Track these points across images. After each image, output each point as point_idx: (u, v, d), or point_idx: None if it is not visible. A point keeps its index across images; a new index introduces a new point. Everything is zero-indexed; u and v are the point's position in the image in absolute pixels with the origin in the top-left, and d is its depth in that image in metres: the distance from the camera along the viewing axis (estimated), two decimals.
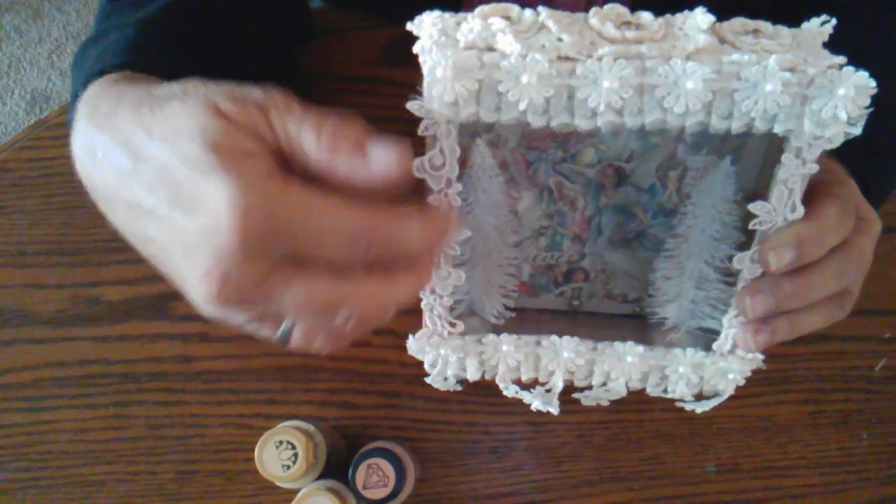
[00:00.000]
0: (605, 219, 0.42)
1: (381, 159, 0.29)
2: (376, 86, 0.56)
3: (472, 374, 0.40)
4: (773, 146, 0.36)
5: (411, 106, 0.32)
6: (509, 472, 0.55)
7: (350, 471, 0.49)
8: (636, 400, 0.53)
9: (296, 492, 0.49)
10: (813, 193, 0.35)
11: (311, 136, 0.29)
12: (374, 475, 0.49)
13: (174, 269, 0.30)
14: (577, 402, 0.41)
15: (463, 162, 0.36)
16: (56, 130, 0.57)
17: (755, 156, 0.38)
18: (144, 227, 0.30)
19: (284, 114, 0.29)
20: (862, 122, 0.31)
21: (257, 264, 0.28)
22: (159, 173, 0.28)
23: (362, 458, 0.49)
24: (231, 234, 0.27)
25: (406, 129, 0.35)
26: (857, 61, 0.31)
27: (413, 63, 0.32)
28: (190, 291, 0.30)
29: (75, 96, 0.37)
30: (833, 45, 0.32)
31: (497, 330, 0.40)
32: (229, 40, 0.47)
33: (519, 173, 0.41)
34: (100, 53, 0.39)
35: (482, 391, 0.53)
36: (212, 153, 0.27)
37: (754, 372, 0.40)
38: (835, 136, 0.32)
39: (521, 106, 0.32)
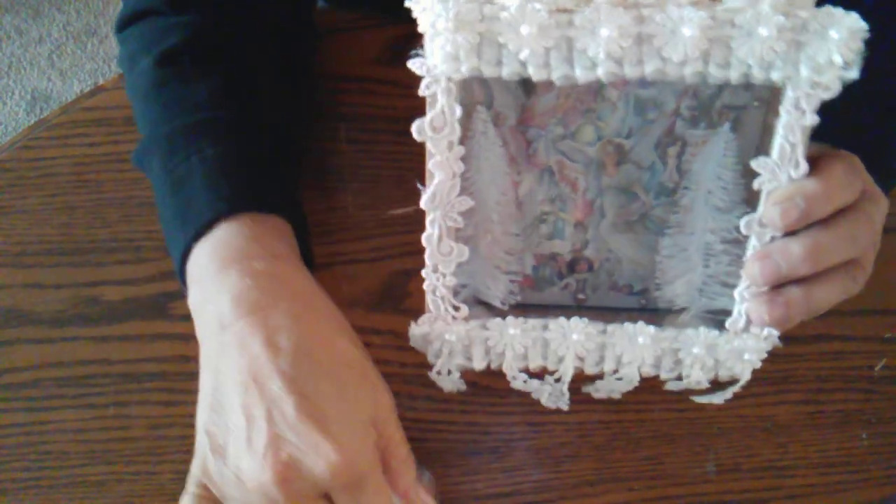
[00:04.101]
0: (606, 200, 0.42)
1: None
2: (376, 86, 0.56)
3: (478, 363, 0.39)
4: (771, 115, 0.36)
5: (412, 64, 0.33)
6: (509, 472, 0.55)
7: None
8: (636, 400, 0.53)
9: None
10: (817, 157, 0.35)
11: None
12: None
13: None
14: (578, 401, 0.41)
15: (464, 134, 0.36)
16: (56, 130, 0.57)
17: (753, 128, 0.38)
18: None
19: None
20: (857, 66, 0.32)
21: None
22: None
23: None
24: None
25: (405, 129, 0.35)
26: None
27: None
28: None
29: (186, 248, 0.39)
30: None
31: (503, 315, 0.39)
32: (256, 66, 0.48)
33: (519, 153, 0.41)
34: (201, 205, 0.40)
35: (483, 391, 0.53)
36: None
37: (754, 372, 0.40)
38: (831, 82, 0.32)
39: (522, 56, 0.32)
